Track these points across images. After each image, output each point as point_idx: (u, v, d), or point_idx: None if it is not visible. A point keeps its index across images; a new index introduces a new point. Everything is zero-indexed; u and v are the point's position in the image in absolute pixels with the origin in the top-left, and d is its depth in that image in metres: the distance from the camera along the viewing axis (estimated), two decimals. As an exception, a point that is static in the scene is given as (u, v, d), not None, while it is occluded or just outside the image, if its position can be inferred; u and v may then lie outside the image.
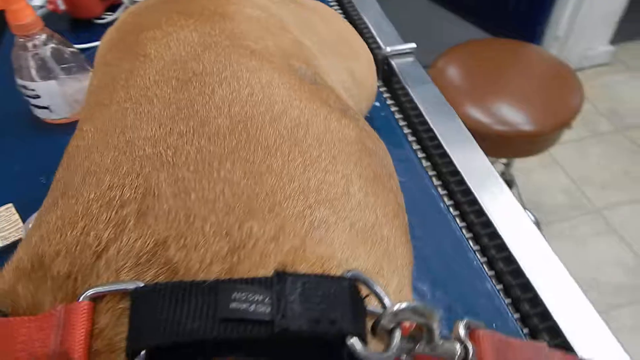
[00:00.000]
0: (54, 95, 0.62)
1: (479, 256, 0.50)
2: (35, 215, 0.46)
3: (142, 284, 0.22)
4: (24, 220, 0.52)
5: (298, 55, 0.40)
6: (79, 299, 0.22)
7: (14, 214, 0.53)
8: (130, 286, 0.22)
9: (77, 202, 0.26)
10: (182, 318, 0.20)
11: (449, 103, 0.62)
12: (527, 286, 0.45)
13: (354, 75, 0.50)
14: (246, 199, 0.25)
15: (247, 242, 0.23)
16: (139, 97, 0.32)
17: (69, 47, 0.63)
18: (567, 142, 1.80)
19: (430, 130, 0.60)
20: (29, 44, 0.60)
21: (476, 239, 0.52)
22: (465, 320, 0.26)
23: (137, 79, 0.33)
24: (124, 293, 0.22)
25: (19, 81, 0.62)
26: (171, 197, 0.25)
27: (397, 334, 0.22)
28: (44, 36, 0.60)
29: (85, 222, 0.25)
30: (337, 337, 0.21)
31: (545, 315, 0.43)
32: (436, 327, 0.23)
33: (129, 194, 0.25)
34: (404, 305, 0.22)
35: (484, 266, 0.49)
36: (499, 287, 0.47)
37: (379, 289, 0.23)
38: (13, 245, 0.50)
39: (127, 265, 0.23)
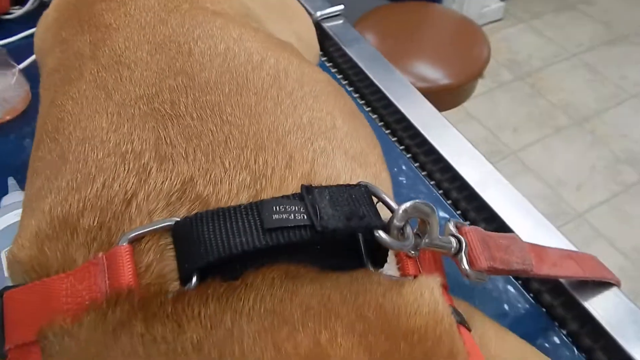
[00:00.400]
0: (-20, 95, 0.58)
1: (435, 189, 0.54)
2: (3, 206, 0.44)
3: (179, 219, 0.23)
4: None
5: (251, 17, 0.42)
6: (118, 243, 0.23)
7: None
8: (169, 222, 0.23)
9: (85, 163, 0.26)
10: (229, 235, 0.22)
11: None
12: (473, 195, 0.50)
13: (300, 38, 0.52)
14: (253, 136, 0.27)
15: (265, 171, 0.26)
16: (112, 64, 0.32)
17: (-12, 44, 0.59)
18: (477, 96, 1.93)
19: (373, 84, 0.63)
20: (-56, 44, 0.56)
21: (430, 175, 0.56)
22: (452, 220, 0.30)
23: (105, 49, 0.33)
24: (162, 231, 0.23)
25: (-62, 85, 0.57)
26: (184, 142, 0.26)
27: (409, 229, 0.25)
28: (-41, 34, 0.56)
29: (104, 176, 0.25)
30: (365, 231, 0.24)
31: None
32: (436, 221, 0.27)
33: (140, 147, 0.26)
34: (409, 204, 0.26)
35: (441, 196, 0.54)
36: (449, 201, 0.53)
37: (385, 196, 0.26)
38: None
39: (158, 206, 0.24)
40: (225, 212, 0.23)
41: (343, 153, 0.30)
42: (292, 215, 0.22)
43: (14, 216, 0.44)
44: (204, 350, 0.20)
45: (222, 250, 0.21)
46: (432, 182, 0.56)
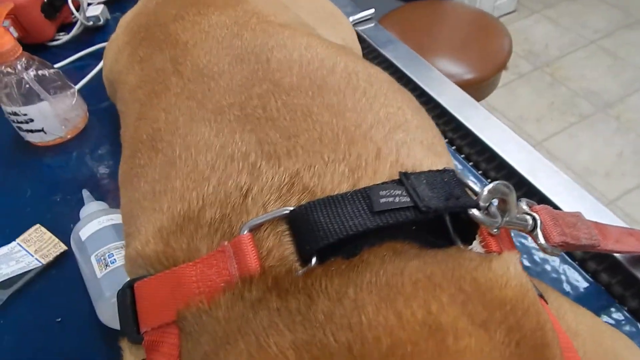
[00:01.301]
0: (47, 116, 0.62)
1: (483, 178, 0.57)
2: (85, 216, 0.47)
3: (293, 208, 0.26)
4: (57, 236, 0.53)
5: (306, 26, 0.45)
6: (241, 232, 0.26)
7: (45, 232, 0.53)
8: (285, 211, 0.26)
9: (196, 165, 0.30)
10: (342, 219, 0.24)
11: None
12: (522, 182, 0.52)
13: (346, 42, 0.55)
14: (342, 132, 0.30)
15: (360, 163, 0.28)
16: (197, 77, 0.35)
17: (50, 68, 0.63)
18: (498, 88, 1.94)
19: (411, 81, 0.66)
20: (12, 70, 0.60)
21: (477, 165, 0.59)
22: (523, 200, 0.32)
23: (187, 64, 0.37)
24: (278, 219, 0.26)
25: (7, 109, 0.61)
26: (284, 140, 0.29)
27: (494, 208, 0.28)
28: (24, 60, 0.60)
29: (218, 176, 0.28)
30: (462, 210, 0.26)
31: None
32: (514, 200, 0.29)
33: (245, 148, 0.29)
34: (491, 186, 0.28)
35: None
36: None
37: (468, 180, 0.29)
38: (55, 262, 0.51)
39: (271, 198, 0.27)
40: (337, 199, 0.25)
41: (419, 143, 0.32)
42: (397, 198, 0.25)
43: (97, 224, 0.47)
44: (334, 319, 0.22)
45: (340, 232, 0.24)
46: (479, 172, 0.58)
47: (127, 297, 0.29)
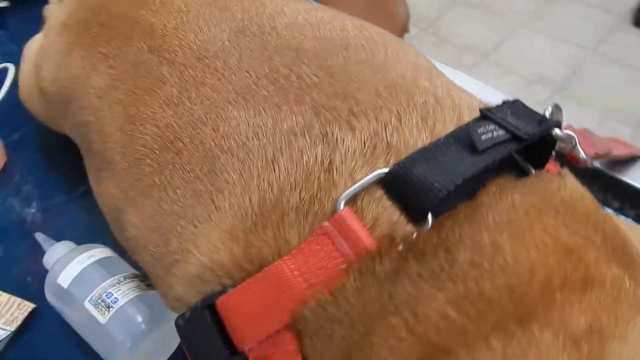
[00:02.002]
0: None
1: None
2: (56, 261, 0.40)
3: (387, 169, 0.23)
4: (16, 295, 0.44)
5: None
6: (338, 207, 0.23)
7: (1, 294, 0.44)
8: (380, 174, 0.23)
9: (249, 151, 0.26)
10: (449, 167, 0.23)
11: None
12: None
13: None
14: (394, 85, 0.28)
15: (427, 111, 0.27)
16: (195, 61, 0.31)
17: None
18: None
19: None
20: None
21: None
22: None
23: (176, 50, 0.32)
24: (370, 186, 0.24)
25: None
26: (342, 103, 0.26)
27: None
28: None
29: (286, 155, 0.25)
30: (549, 131, 0.26)
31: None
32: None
33: (302, 118, 0.26)
34: (551, 107, 0.28)
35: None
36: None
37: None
38: (25, 324, 0.43)
39: (357, 165, 0.24)
40: (433, 148, 0.23)
41: (452, 85, 0.31)
42: (494, 133, 0.24)
43: (77, 265, 0.40)
44: (482, 267, 0.21)
45: (450, 182, 0.22)
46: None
47: (206, 319, 0.25)
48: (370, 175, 0.23)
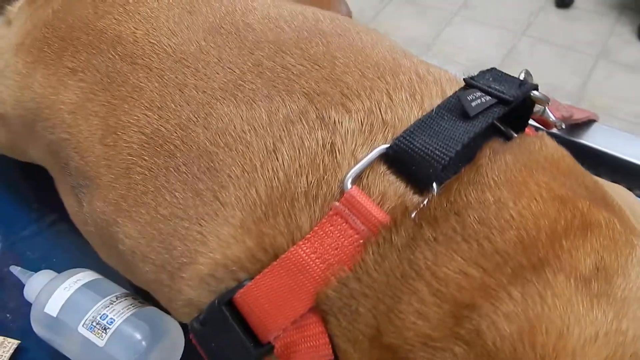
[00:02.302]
0: None
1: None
2: (40, 291, 0.38)
3: (388, 145, 0.24)
4: None
5: None
6: (345, 187, 0.24)
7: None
8: (382, 150, 0.24)
9: (249, 144, 0.27)
10: (445, 136, 0.24)
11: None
12: None
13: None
14: (377, 66, 0.29)
15: (413, 87, 0.28)
16: (173, 63, 0.31)
17: None
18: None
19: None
20: None
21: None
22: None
23: (151, 55, 0.31)
24: (373, 163, 0.25)
25: None
26: (332, 88, 0.27)
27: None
28: None
29: (287, 143, 0.26)
30: (528, 93, 0.27)
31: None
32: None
33: (296, 107, 0.27)
34: (523, 72, 0.30)
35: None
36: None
37: None
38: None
39: (357, 144, 0.25)
40: (427, 120, 0.25)
41: (426, 63, 0.33)
42: (481, 99, 0.25)
43: (64, 291, 0.38)
44: (492, 224, 0.23)
45: (450, 149, 0.23)
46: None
47: (226, 316, 0.25)
48: (373, 153, 0.24)
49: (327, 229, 0.23)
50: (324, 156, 0.25)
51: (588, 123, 0.53)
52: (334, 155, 0.25)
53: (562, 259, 0.22)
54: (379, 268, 0.23)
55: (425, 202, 0.23)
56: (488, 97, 0.25)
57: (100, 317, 0.36)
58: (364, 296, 0.23)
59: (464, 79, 0.27)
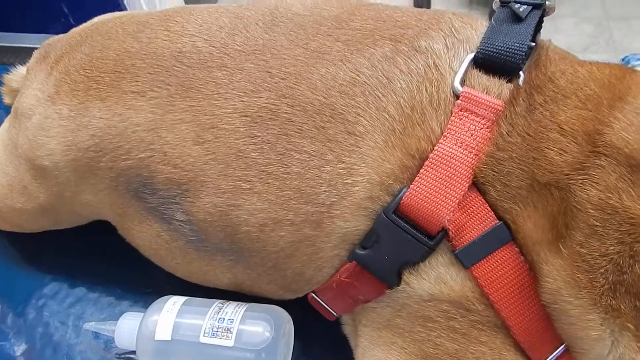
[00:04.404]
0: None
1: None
2: (142, 326, 0.38)
3: (472, 54, 0.31)
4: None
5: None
6: (457, 91, 0.30)
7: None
8: (470, 58, 0.31)
9: (362, 86, 0.31)
10: (513, 35, 0.31)
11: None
12: None
13: None
14: (416, 16, 0.34)
15: (452, 24, 0.33)
16: (247, 56, 0.34)
17: None
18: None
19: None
20: None
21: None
22: None
23: (222, 57, 0.35)
24: (468, 69, 0.31)
25: None
26: (410, 32, 0.33)
27: None
28: None
29: (396, 71, 0.31)
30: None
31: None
32: None
33: (388, 49, 0.32)
34: None
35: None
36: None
37: None
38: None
39: (450, 58, 0.31)
40: (495, 28, 0.32)
41: None
42: (522, 6, 0.32)
43: (169, 315, 0.38)
44: (577, 81, 0.29)
45: (524, 42, 0.30)
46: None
47: (398, 220, 0.29)
48: (467, 59, 0.30)
49: (458, 123, 0.29)
50: (431, 71, 0.30)
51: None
52: (438, 69, 0.30)
53: (633, 89, 0.29)
54: (514, 133, 0.28)
55: (533, 74, 0.29)
56: (525, 5, 0.32)
57: (219, 322, 0.37)
58: (510, 159, 0.28)
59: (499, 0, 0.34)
